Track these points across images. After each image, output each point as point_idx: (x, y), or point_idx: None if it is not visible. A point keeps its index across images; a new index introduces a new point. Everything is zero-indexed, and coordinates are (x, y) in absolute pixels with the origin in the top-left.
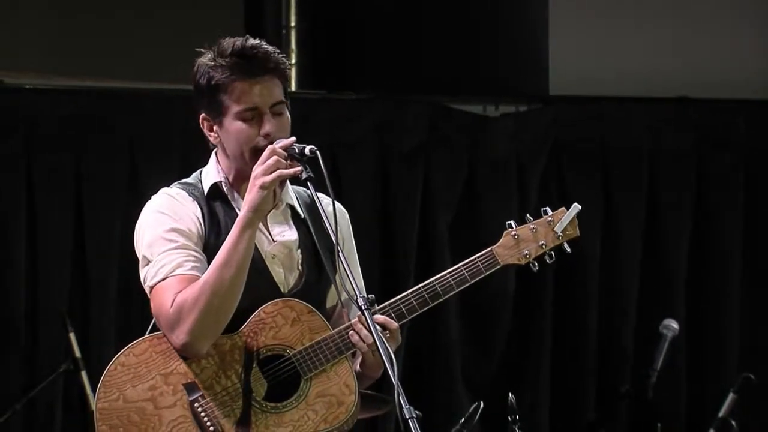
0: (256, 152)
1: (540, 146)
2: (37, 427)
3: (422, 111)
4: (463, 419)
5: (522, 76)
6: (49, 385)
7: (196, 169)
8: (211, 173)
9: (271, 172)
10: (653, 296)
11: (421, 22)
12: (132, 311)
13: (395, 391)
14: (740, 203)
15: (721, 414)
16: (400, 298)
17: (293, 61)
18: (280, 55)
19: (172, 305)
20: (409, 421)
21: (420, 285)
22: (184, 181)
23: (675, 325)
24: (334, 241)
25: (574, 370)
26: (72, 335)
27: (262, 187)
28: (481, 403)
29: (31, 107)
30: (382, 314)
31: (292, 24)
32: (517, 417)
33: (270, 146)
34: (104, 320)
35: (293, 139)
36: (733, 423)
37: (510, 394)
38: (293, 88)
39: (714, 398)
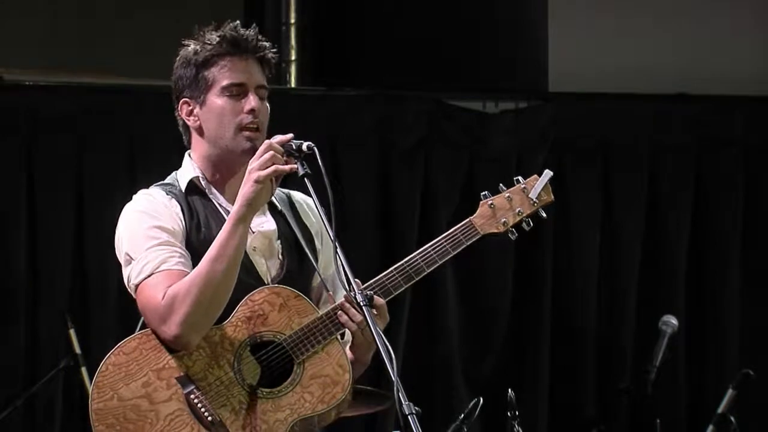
0: (240, 129)
1: (540, 143)
2: (37, 423)
3: (422, 108)
4: (462, 415)
5: (521, 73)
6: (50, 381)
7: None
8: (186, 171)
9: (267, 167)
10: (653, 292)
11: (420, 18)
12: (132, 308)
13: (395, 388)
14: (740, 199)
15: (720, 410)
16: (384, 276)
17: (293, 58)
18: (268, 45)
19: (163, 298)
20: (409, 417)
21: (403, 261)
22: (160, 182)
23: (674, 321)
24: (331, 236)
25: (574, 366)
26: (72, 332)
27: (257, 180)
28: (481, 399)
29: (32, 104)
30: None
31: (292, 20)
32: (517, 413)
33: (267, 141)
34: (104, 317)
35: (291, 135)
36: (732, 419)
37: (509, 390)
38: (293, 85)
39: (713, 394)
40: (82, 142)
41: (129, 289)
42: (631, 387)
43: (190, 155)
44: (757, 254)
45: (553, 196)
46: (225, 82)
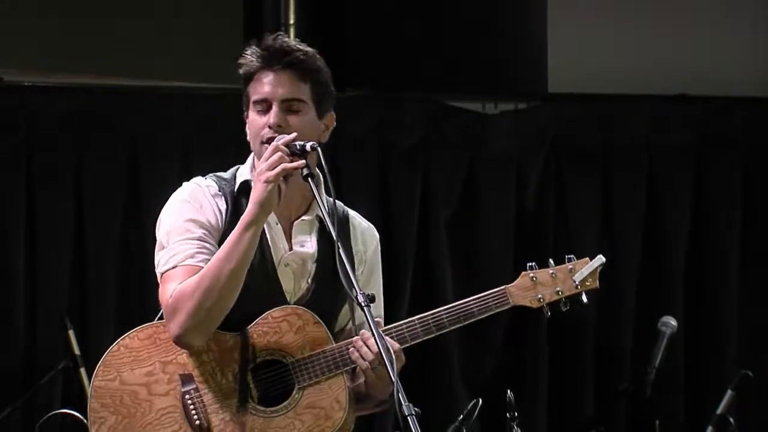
0: (262, 144)
1: (539, 144)
2: (36, 424)
3: (422, 109)
4: (461, 416)
5: (521, 74)
6: (49, 382)
7: (197, 169)
8: (245, 170)
9: (275, 167)
10: (652, 293)
11: (420, 19)
12: (131, 309)
13: (394, 388)
14: (739, 200)
15: (719, 411)
16: (404, 323)
17: None
18: (312, 56)
19: (171, 296)
20: (408, 417)
21: (428, 313)
22: (220, 174)
23: (673, 322)
24: (334, 236)
25: (573, 367)
26: (71, 333)
27: (266, 181)
28: (480, 399)
29: (31, 105)
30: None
31: (291, 21)
32: (516, 414)
33: (273, 143)
34: (103, 318)
35: (294, 134)
36: (731, 420)
37: (508, 391)
38: None
39: (712, 395)
40: (81, 142)
41: (157, 275)
42: (630, 388)
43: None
44: (756, 254)
45: (598, 284)
46: (253, 98)
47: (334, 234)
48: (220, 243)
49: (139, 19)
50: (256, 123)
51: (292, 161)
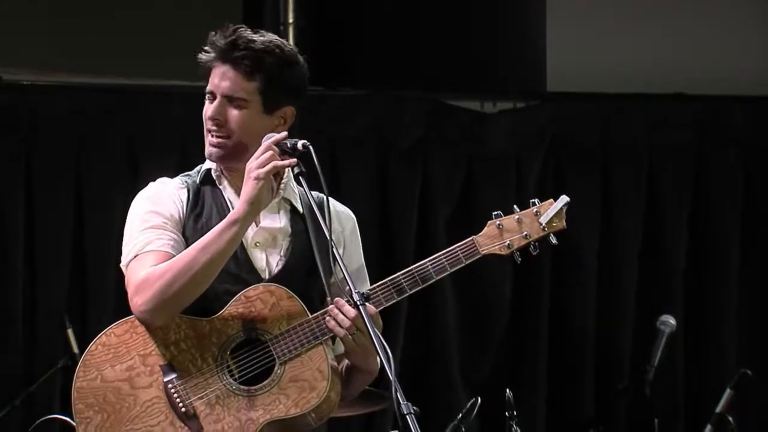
0: (208, 132)
1: (538, 143)
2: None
3: (420, 108)
4: (460, 415)
5: (520, 73)
6: (48, 380)
7: (196, 166)
8: (209, 162)
9: (266, 165)
10: (651, 292)
11: (419, 18)
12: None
13: (393, 387)
14: (739, 199)
15: (718, 410)
16: (378, 285)
17: None
18: (265, 51)
19: (141, 276)
20: (407, 416)
21: (399, 273)
22: (188, 172)
23: (672, 321)
24: (328, 236)
25: (572, 366)
26: (70, 331)
27: (257, 179)
28: (479, 398)
29: (31, 104)
30: None
31: (291, 20)
32: (515, 413)
33: (265, 142)
34: (103, 317)
35: (285, 134)
36: (730, 419)
37: (507, 390)
38: None
39: (711, 394)
40: (81, 141)
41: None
42: (629, 387)
43: None
44: (756, 254)
45: (565, 224)
46: (207, 88)
47: (328, 234)
48: (184, 233)
49: (139, 18)
50: (204, 111)
51: (282, 159)
